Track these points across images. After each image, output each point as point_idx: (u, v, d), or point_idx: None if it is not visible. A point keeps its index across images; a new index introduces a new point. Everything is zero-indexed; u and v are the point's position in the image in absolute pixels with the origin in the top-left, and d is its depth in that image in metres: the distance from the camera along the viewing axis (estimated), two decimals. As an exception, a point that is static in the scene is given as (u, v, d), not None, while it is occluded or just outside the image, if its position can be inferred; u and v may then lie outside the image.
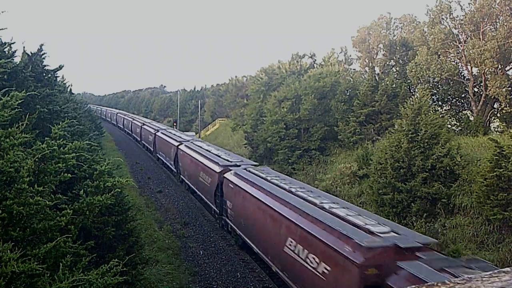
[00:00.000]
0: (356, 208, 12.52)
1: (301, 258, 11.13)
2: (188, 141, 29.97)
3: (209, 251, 17.93)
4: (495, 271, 1.58)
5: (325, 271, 9.91)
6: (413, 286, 1.53)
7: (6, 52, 10.37)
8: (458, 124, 29.15)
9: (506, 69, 26.75)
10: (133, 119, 57.68)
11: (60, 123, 8.64)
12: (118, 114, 72.05)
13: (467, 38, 27.18)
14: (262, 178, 16.49)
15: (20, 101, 6.94)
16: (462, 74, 29.04)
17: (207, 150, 24.52)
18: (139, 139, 49.84)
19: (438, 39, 27.53)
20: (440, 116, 25.23)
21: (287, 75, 41.38)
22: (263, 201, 14.38)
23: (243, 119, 43.57)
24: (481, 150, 20.32)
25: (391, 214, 18.66)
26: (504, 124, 26.76)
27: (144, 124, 47.98)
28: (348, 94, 32.23)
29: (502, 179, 15.30)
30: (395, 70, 36.13)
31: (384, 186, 19.47)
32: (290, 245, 11.90)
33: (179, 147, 29.09)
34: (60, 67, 12.65)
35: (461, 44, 27.43)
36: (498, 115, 28.51)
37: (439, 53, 28.52)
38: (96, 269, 6.42)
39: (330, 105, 32.26)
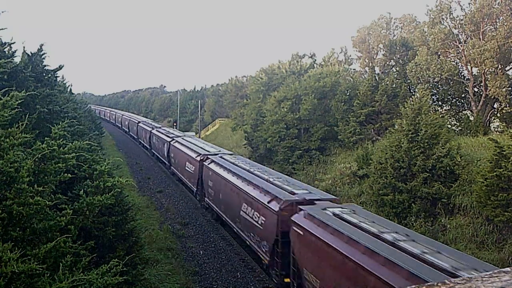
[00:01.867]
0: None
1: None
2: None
3: (209, 251, 17.94)
4: (495, 271, 1.58)
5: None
6: (413, 286, 1.53)
7: (6, 52, 10.37)
8: (458, 124, 29.14)
9: (506, 69, 26.75)
10: (176, 140, 31.63)
11: (60, 123, 8.65)
12: (140, 125, 49.64)
13: (467, 38, 27.19)
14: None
15: (20, 101, 6.95)
16: (462, 74, 29.04)
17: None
18: (192, 185, 25.69)
19: (438, 39, 27.54)
20: (440, 116, 25.24)
21: (287, 75, 41.37)
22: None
23: (243, 119, 43.56)
24: (481, 150, 20.32)
25: (391, 214, 18.66)
26: (504, 124, 26.76)
27: (189, 149, 26.96)
28: (348, 94, 32.22)
29: (502, 179, 15.29)
30: (395, 70, 36.13)
31: (385, 187, 19.47)
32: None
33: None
34: (60, 67, 12.66)
35: (461, 44, 27.44)
36: (498, 115, 28.52)
37: (439, 53, 28.52)
38: (96, 269, 6.42)
39: (330, 105, 32.26)
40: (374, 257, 8.76)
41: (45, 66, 12.06)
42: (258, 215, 14.89)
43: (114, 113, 77.87)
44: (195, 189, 24.83)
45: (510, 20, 24.85)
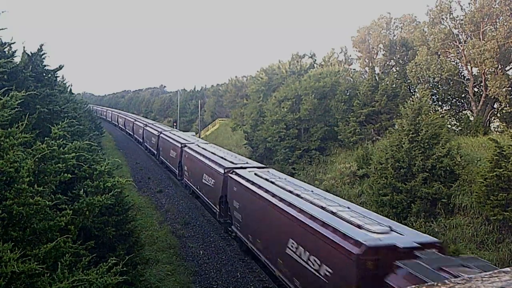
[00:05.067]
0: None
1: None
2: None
3: (209, 251, 17.94)
4: (495, 271, 1.57)
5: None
6: (413, 286, 1.53)
7: (6, 52, 10.37)
8: (458, 124, 29.14)
9: (506, 69, 26.75)
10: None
11: (60, 123, 8.65)
12: (162, 136, 36.24)
13: (467, 38, 27.19)
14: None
15: (20, 101, 6.95)
16: (462, 74, 29.04)
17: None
18: None
19: (438, 39, 27.53)
20: (440, 116, 25.23)
21: (287, 75, 41.37)
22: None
23: (243, 119, 43.57)
24: (481, 150, 20.32)
25: (391, 214, 18.65)
26: (504, 124, 26.77)
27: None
28: (348, 94, 32.23)
29: (502, 179, 15.29)
30: (395, 70, 36.12)
31: (385, 187, 19.47)
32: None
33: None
34: (60, 67, 12.66)
35: (461, 44, 27.43)
36: (498, 115, 28.52)
37: (439, 53, 28.52)
38: (96, 269, 6.42)
39: (330, 105, 32.26)
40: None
41: (45, 66, 12.06)
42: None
43: (124, 117, 64.49)
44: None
45: (510, 20, 24.85)
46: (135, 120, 55.21)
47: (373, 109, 28.30)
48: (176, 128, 56.55)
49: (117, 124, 70.82)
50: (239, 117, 46.69)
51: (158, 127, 42.73)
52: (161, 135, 36.84)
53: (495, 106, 28.34)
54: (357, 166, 25.36)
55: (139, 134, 48.77)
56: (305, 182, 21.25)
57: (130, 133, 56.92)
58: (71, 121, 10.86)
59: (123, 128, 63.99)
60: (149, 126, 45.05)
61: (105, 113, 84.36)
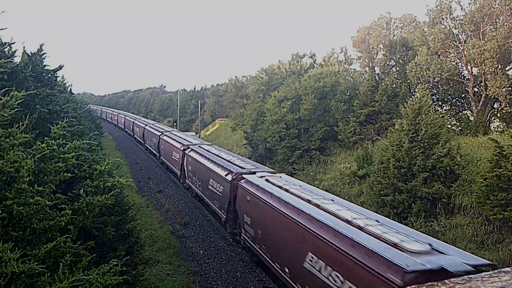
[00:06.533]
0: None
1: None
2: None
3: (209, 251, 17.94)
4: (495, 271, 1.58)
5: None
6: (413, 286, 1.53)
7: (6, 52, 10.36)
8: (458, 124, 29.15)
9: (506, 69, 26.76)
10: None
11: (60, 122, 8.64)
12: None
13: (467, 38, 27.20)
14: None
15: (20, 101, 6.94)
16: (462, 74, 29.05)
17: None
18: None
19: (438, 39, 27.54)
20: (440, 116, 25.21)
21: (287, 75, 41.38)
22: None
23: (243, 119, 43.57)
24: (481, 150, 20.32)
25: (391, 214, 18.65)
26: (504, 124, 26.77)
27: None
28: (348, 94, 32.24)
29: (502, 179, 15.29)
30: (395, 70, 36.13)
31: (386, 187, 19.46)
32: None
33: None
34: (60, 67, 12.65)
35: (461, 44, 27.43)
36: (498, 115, 28.53)
37: (439, 53, 28.53)
38: (96, 269, 6.42)
39: (330, 105, 32.27)
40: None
41: (45, 66, 12.06)
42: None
43: (142, 126, 45.61)
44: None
45: (510, 20, 24.86)
46: (163, 134, 35.06)
47: (373, 109, 28.30)
48: (176, 128, 56.52)
49: (132, 134, 51.65)
50: (239, 117, 46.68)
51: (212, 152, 23.41)
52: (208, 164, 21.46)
53: (495, 106, 28.36)
54: (357, 166, 25.36)
55: (169, 156, 31.55)
56: (304, 182, 21.23)
57: (153, 150, 38.67)
58: (71, 121, 10.87)
59: (141, 141, 45.22)
60: (192, 149, 25.45)
61: (116, 118, 64.41)
